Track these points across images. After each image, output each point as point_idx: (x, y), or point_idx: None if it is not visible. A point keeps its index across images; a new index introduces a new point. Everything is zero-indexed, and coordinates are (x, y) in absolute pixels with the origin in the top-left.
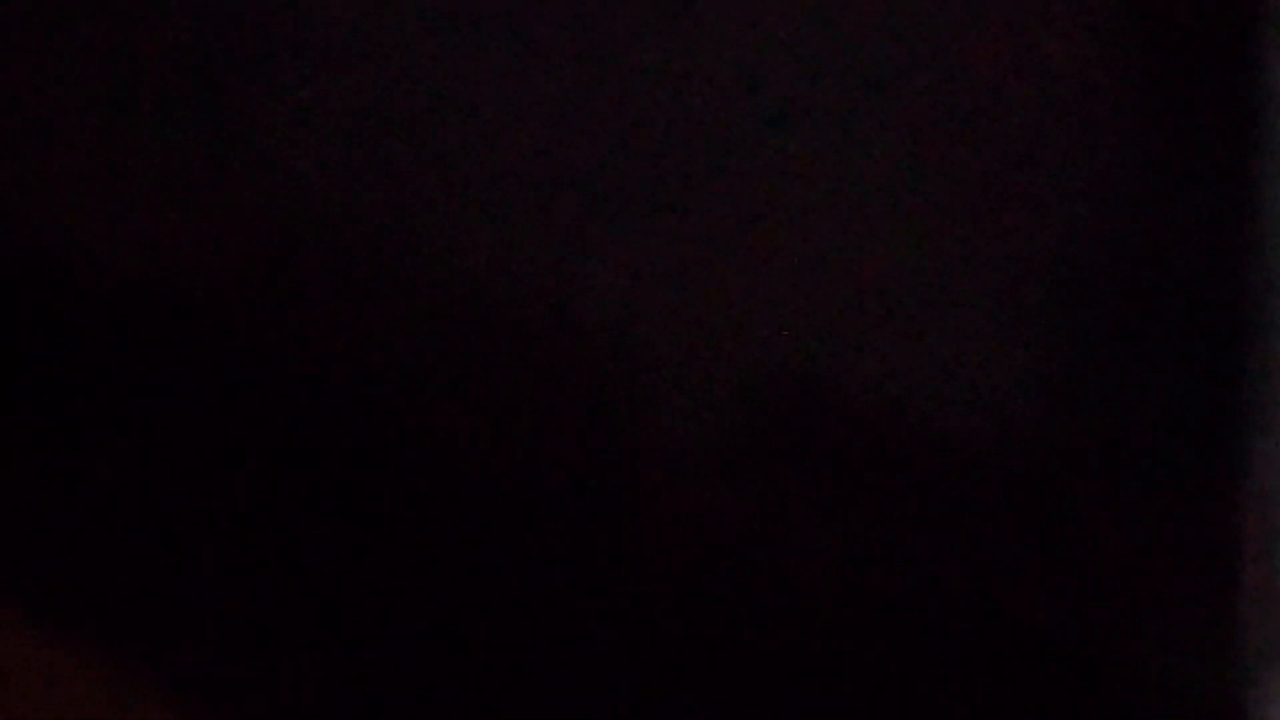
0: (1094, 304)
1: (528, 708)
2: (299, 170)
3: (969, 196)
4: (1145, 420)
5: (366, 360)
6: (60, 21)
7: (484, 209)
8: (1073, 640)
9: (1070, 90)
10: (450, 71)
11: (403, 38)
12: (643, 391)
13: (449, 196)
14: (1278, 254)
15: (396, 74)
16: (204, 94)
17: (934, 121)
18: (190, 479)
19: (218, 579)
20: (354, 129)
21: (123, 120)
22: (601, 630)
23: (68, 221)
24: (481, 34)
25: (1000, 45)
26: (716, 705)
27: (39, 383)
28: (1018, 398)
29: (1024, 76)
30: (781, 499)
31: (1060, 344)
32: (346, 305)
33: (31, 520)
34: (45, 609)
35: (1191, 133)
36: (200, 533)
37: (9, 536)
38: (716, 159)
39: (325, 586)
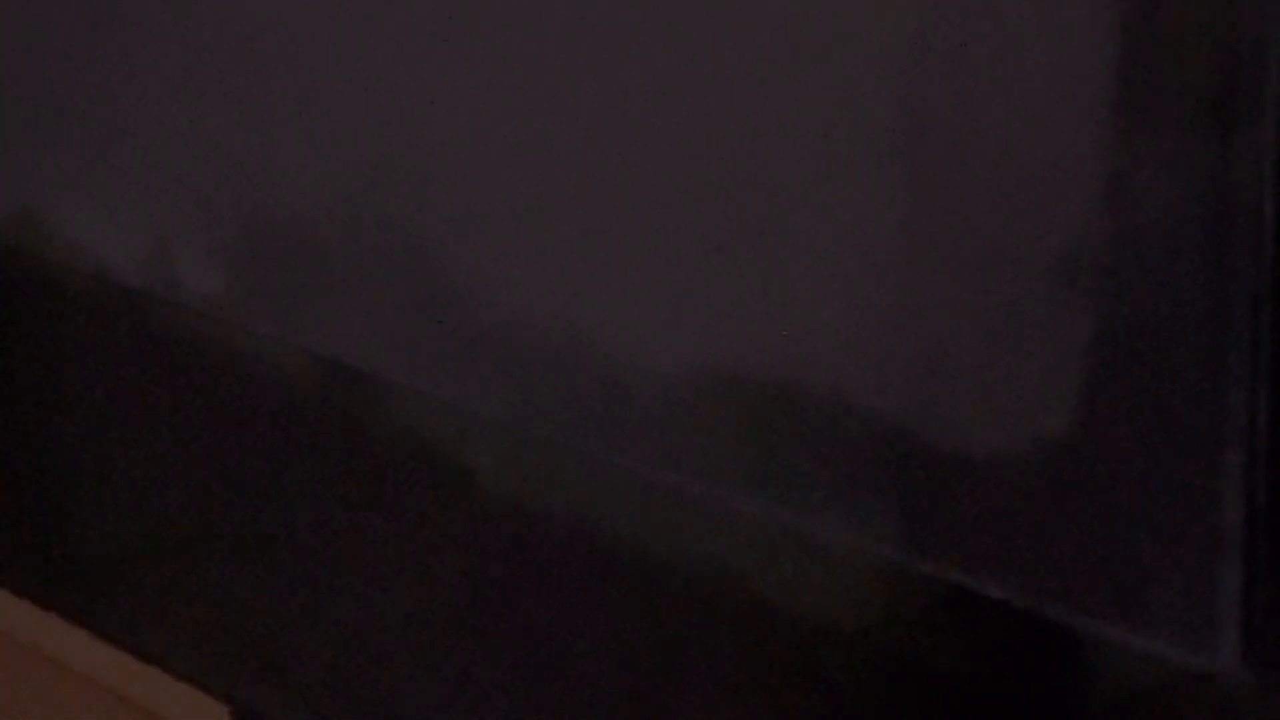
0: (1092, 304)
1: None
2: (299, 170)
3: (968, 195)
4: (1144, 419)
5: (360, 357)
6: (61, 23)
7: (476, 209)
8: (1072, 636)
9: (1069, 91)
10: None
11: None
12: (637, 391)
13: (444, 197)
14: (1275, 253)
15: (394, 74)
16: (203, 99)
17: (933, 120)
18: (189, 477)
19: (216, 574)
20: (352, 129)
21: (123, 124)
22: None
23: (67, 221)
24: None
25: (1000, 45)
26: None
27: (38, 380)
28: (1017, 396)
29: (1024, 77)
30: (777, 493)
31: (1059, 343)
32: (343, 305)
33: (30, 517)
34: (44, 601)
35: (1192, 132)
36: (196, 529)
37: (9, 533)
38: (709, 162)
39: (324, 581)
